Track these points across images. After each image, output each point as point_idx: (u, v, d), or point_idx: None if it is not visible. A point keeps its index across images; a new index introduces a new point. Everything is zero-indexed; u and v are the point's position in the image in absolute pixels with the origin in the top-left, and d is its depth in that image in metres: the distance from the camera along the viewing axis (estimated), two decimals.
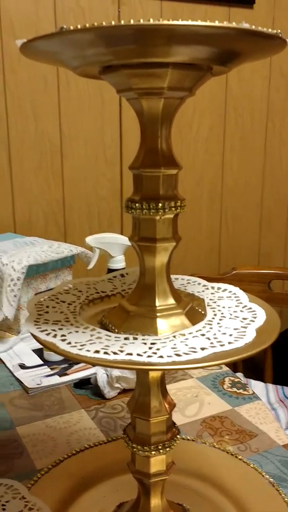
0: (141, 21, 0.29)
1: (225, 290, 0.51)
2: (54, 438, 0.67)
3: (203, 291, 0.51)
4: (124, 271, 0.56)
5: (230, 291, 0.51)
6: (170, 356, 0.35)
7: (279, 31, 0.32)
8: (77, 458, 0.61)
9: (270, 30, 0.32)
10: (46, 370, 0.85)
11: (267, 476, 0.57)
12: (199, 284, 0.53)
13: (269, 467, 0.61)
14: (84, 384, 0.80)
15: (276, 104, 1.49)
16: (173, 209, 0.40)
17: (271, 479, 0.57)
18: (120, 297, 0.49)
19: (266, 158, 1.54)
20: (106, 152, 1.34)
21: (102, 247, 0.96)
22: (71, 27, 0.30)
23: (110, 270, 0.95)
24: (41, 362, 0.87)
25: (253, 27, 0.31)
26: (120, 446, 0.57)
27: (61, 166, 1.30)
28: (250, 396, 0.79)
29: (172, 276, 0.56)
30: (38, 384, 0.80)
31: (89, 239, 0.95)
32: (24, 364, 0.87)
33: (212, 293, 0.50)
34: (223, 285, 0.52)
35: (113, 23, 0.29)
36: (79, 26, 0.30)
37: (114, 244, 0.95)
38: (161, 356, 0.35)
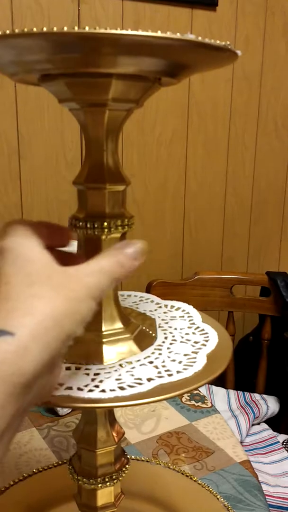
0: (87, 28, 0.26)
1: (178, 308, 0.49)
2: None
3: (155, 309, 0.49)
4: None
5: (183, 310, 0.48)
6: (113, 390, 0.33)
7: (228, 43, 0.30)
8: (24, 484, 0.58)
9: (218, 42, 0.29)
10: None
11: (222, 499, 0.56)
12: (152, 301, 0.51)
13: (225, 487, 0.60)
14: None
15: (239, 107, 1.49)
16: (120, 228, 0.38)
17: (226, 503, 0.55)
18: None
19: (228, 162, 1.53)
20: (66, 154, 1.30)
21: None
22: (7, 31, 0.27)
23: None
24: None
25: (199, 38, 0.28)
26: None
27: (19, 168, 1.25)
28: (208, 409, 0.78)
29: (125, 293, 0.54)
30: None
31: None
32: None
33: (164, 312, 0.48)
34: (176, 303, 0.50)
35: (54, 29, 0.26)
36: (16, 31, 0.27)
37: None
38: (103, 391, 0.33)
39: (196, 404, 0.79)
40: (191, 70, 0.34)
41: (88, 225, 0.37)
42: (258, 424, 1.27)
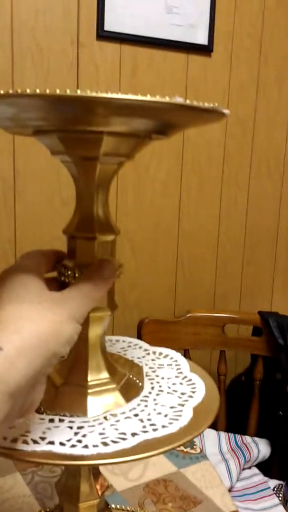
0: (69, 91, 0.27)
1: (166, 356, 0.49)
2: None
3: (143, 356, 0.49)
4: None
5: (171, 358, 0.48)
6: (96, 446, 0.32)
7: (216, 104, 0.31)
8: None
9: (206, 104, 0.30)
10: None
11: None
12: (140, 348, 0.51)
13: None
14: None
15: (232, 150, 1.52)
16: None
17: None
18: None
19: (222, 202, 1.55)
20: (61, 192, 1.31)
21: None
22: (7, 91, 0.28)
23: None
24: None
25: (187, 101, 0.29)
26: None
27: (14, 204, 1.26)
28: (197, 456, 0.76)
29: (113, 338, 0.54)
30: None
31: None
32: None
33: (152, 360, 0.48)
34: (164, 350, 0.50)
35: (47, 91, 0.27)
36: (10, 91, 0.28)
37: None
38: (86, 446, 0.32)
39: (185, 450, 0.77)
40: (181, 128, 0.35)
41: (77, 274, 0.37)
42: (249, 468, 1.24)
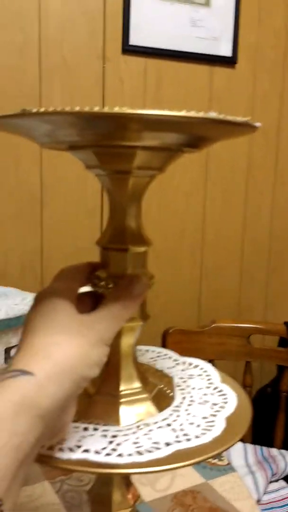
0: (106, 109, 0.28)
1: (196, 366, 0.49)
2: None
3: (173, 366, 0.49)
4: None
5: (201, 368, 0.48)
6: (131, 455, 0.33)
7: (248, 118, 0.32)
8: None
9: (239, 118, 0.31)
10: None
11: None
12: (169, 358, 0.51)
13: None
14: None
15: (257, 159, 1.52)
16: None
17: None
18: None
19: (246, 212, 1.55)
20: (87, 203, 1.33)
21: None
22: (34, 110, 0.29)
23: None
24: None
25: (221, 116, 0.30)
26: None
27: (41, 215, 1.29)
28: (225, 467, 0.75)
29: (143, 347, 0.54)
30: None
31: None
32: None
33: (182, 370, 0.48)
34: (194, 361, 0.50)
35: (77, 108, 0.28)
36: (41, 110, 0.29)
37: None
38: (120, 455, 0.33)
39: (212, 461, 0.77)
40: (213, 141, 0.36)
41: (110, 285, 0.38)
42: (276, 481, 1.22)
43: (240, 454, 1.26)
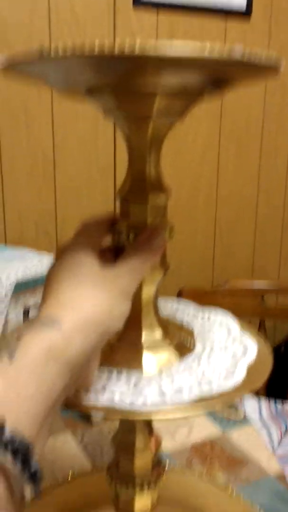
0: (125, 48, 0.27)
1: (216, 317, 0.49)
2: None
3: (193, 318, 0.49)
4: None
5: (221, 319, 0.48)
6: (155, 401, 0.33)
7: (274, 55, 0.30)
8: (60, 488, 0.58)
9: (264, 55, 0.30)
10: None
11: (259, 509, 0.55)
12: (189, 309, 0.51)
13: (260, 499, 0.59)
14: None
15: (272, 109, 1.48)
16: None
17: None
18: None
19: (261, 167, 1.52)
20: (99, 162, 1.32)
21: None
22: (51, 52, 0.28)
23: None
24: None
25: (247, 53, 0.28)
26: (105, 477, 0.55)
27: (54, 176, 1.28)
28: (241, 420, 0.77)
29: (162, 300, 0.54)
30: None
31: None
32: None
33: (202, 321, 0.48)
34: (214, 312, 0.50)
35: (96, 49, 0.27)
36: (59, 51, 0.28)
37: None
38: (144, 401, 0.33)
39: (229, 414, 0.78)
40: (234, 82, 0.34)
41: (130, 236, 0.38)
42: None
43: (255, 409, 1.29)
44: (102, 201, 1.34)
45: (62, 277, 0.33)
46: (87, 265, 0.34)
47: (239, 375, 0.37)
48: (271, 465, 0.66)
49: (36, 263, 1.00)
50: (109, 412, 0.33)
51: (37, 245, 1.25)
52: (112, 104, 0.35)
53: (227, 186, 1.50)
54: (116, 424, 0.45)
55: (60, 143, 1.27)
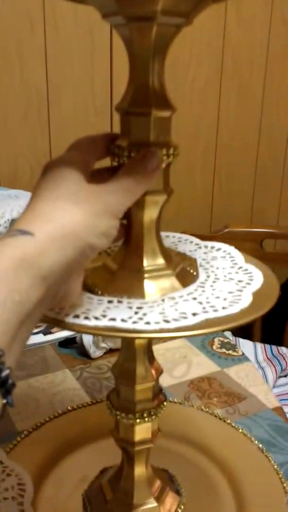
0: None
1: (219, 249, 0.47)
2: (36, 399, 0.65)
3: (195, 250, 0.47)
4: None
5: (224, 251, 0.47)
6: (158, 323, 0.32)
7: None
8: (59, 421, 0.59)
9: None
10: None
11: (256, 442, 0.56)
12: (191, 242, 0.49)
13: (258, 431, 0.60)
14: (69, 343, 0.78)
15: (276, 50, 1.41)
16: (165, 157, 0.36)
17: (260, 445, 0.55)
18: (106, 255, 0.45)
19: (263, 113, 1.47)
20: (95, 101, 1.26)
21: None
22: None
23: None
24: None
25: None
26: (104, 408, 0.55)
27: (48, 116, 1.23)
28: (239, 357, 0.77)
29: (162, 233, 0.52)
30: None
31: None
32: None
33: (205, 253, 0.46)
34: (216, 244, 0.48)
35: None
36: None
37: None
38: (147, 323, 0.32)
39: (227, 352, 0.78)
40: None
41: (132, 154, 0.35)
42: (285, 376, 1.27)
43: (250, 352, 1.30)
44: None
45: (43, 191, 0.31)
46: (71, 179, 0.32)
47: (245, 301, 0.36)
48: (269, 399, 0.67)
49: None
50: (112, 331, 0.32)
51: (31, 187, 1.22)
52: (112, 3, 0.31)
53: (228, 132, 1.45)
54: (114, 359, 0.44)
55: (54, 83, 1.21)
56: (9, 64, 1.15)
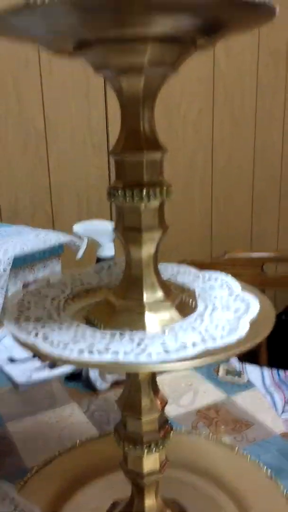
0: None
1: (216, 279, 0.49)
2: (45, 434, 0.65)
3: (193, 280, 0.49)
4: (112, 261, 0.54)
5: (222, 280, 0.48)
6: (159, 353, 0.33)
7: None
8: (69, 455, 0.59)
9: None
10: (36, 363, 0.83)
11: (265, 468, 0.56)
12: (189, 272, 0.51)
13: (267, 457, 0.60)
14: (76, 376, 0.78)
15: (266, 81, 1.45)
16: (159, 196, 0.38)
17: (269, 471, 0.55)
18: (107, 290, 0.47)
19: (256, 138, 1.51)
20: (93, 137, 1.30)
21: (90, 234, 0.92)
22: (38, 0, 0.27)
23: (99, 259, 0.92)
24: (31, 355, 0.85)
25: None
26: (113, 441, 0.56)
27: (46, 152, 1.26)
28: (245, 384, 0.78)
29: (162, 264, 0.54)
30: (27, 380, 0.77)
31: (77, 227, 0.92)
32: (13, 358, 0.84)
33: (203, 283, 0.48)
34: (214, 274, 0.50)
35: None
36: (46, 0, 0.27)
37: (102, 231, 0.92)
38: (149, 355, 0.33)
39: (233, 379, 0.79)
40: (228, 29, 0.33)
41: (127, 194, 0.37)
42: None
43: (258, 377, 1.30)
44: (97, 180, 1.32)
45: None
46: None
47: (243, 330, 0.37)
48: (277, 424, 0.67)
49: (32, 238, 0.99)
50: (115, 366, 0.33)
51: (33, 222, 1.25)
52: (102, 58, 0.34)
53: (223, 159, 1.48)
54: (120, 391, 0.45)
55: (52, 120, 1.25)
56: (7, 100, 1.19)
